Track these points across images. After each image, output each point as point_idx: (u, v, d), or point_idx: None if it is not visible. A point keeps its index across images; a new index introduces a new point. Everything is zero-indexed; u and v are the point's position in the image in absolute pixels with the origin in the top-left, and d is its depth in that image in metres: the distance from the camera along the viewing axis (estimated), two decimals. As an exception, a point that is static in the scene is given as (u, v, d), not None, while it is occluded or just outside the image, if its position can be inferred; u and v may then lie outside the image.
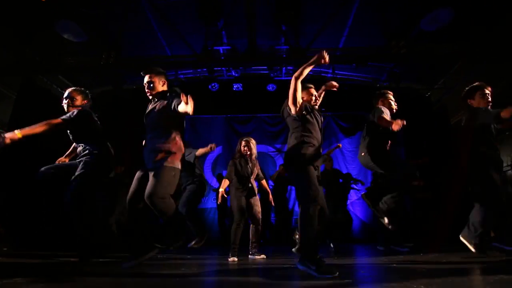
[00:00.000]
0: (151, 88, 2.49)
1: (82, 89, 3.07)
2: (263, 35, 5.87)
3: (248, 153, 3.69)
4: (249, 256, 3.59)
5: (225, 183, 3.61)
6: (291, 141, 2.31)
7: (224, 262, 3.18)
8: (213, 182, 7.21)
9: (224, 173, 7.23)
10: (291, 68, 6.60)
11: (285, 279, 2.15)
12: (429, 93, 7.25)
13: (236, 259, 3.31)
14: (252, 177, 3.70)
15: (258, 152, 7.73)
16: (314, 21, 5.49)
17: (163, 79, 2.55)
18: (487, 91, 2.96)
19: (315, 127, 2.36)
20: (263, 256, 3.56)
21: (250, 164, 3.70)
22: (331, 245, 4.60)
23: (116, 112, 6.95)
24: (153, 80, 2.49)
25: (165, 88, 2.55)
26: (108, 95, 7.18)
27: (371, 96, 7.52)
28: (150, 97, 2.54)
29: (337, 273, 1.98)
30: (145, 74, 2.49)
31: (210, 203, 7.15)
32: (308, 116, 2.34)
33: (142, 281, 1.95)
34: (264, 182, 4.04)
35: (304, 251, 2.15)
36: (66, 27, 5.38)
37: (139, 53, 6.22)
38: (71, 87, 7.07)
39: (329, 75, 7.23)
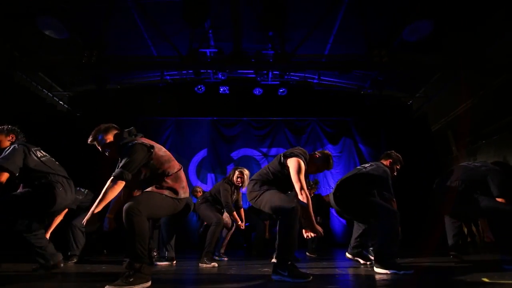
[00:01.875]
0: None
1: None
2: (250, 39, 5.90)
3: (240, 185, 3.76)
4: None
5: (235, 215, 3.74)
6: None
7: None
8: (197, 184, 7.13)
9: (210, 176, 7.22)
10: (277, 73, 6.65)
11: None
12: (410, 101, 7.46)
13: (216, 264, 3.29)
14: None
15: (244, 156, 7.76)
16: (300, 27, 5.56)
17: None
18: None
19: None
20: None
21: (236, 194, 3.80)
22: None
23: (99, 113, 6.79)
24: None
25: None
26: (91, 95, 7.01)
27: (355, 102, 7.63)
28: None
29: (311, 277, 1.98)
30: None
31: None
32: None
33: None
34: (242, 211, 4.06)
35: (277, 260, 2.15)
36: (48, 23, 5.21)
37: (124, 52, 6.10)
38: (51, 84, 6.93)
39: (315, 81, 7.35)
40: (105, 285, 1.66)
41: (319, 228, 2.33)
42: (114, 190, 1.92)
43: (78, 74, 6.68)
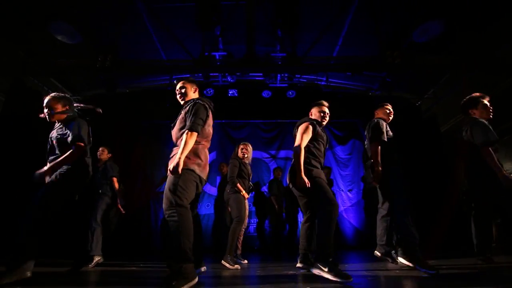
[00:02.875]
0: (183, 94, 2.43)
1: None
2: (259, 42, 5.92)
3: (246, 155, 3.88)
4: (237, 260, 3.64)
5: (239, 186, 3.70)
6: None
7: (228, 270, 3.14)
8: (206, 187, 7.14)
9: (219, 179, 7.23)
10: (286, 75, 6.66)
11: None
12: (419, 102, 7.44)
13: (239, 266, 3.29)
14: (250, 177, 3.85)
15: (252, 159, 7.77)
16: (310, 30, 5.59)
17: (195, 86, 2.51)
18: (487, 102, 3.07)
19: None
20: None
21: (247, 168, 3.80)
22: None
23: (108, 116, 6.83)
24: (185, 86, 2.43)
25: (196, 95, 2.51)
26: (100, 99, 7.05)
27: (364, 104, 7.63)
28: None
29: (352, 279, 1.96)
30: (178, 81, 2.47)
31: (204, 209, 7.07)
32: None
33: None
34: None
35: (318, 253, 2.15)
36: (60, 28, 5.28)
37: (134, 56, 6.15)
38: (62, 89, 6.99)
39: (323, 83, 7.34)
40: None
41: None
42: (191, 140, 2.04)
43: (88, 78, 6.72)
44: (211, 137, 2.35)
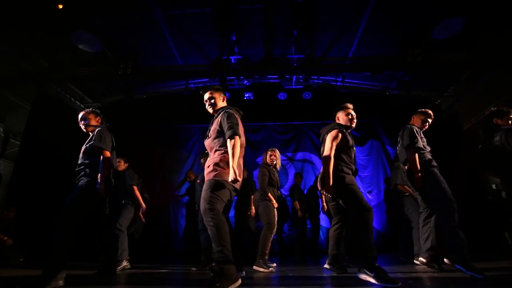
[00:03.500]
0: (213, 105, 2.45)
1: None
2: (276, 45, 5.92)
3: (275, 162, 3.86)
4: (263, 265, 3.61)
5: (270, 195, 3.68)
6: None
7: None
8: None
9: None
10: (301, 76, 6.64)
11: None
12: (439, 101, 7.26)
13: (273, 269, 3.34)
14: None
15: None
16: (325, 31, 5.56)
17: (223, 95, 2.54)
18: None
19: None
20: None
21: (274, 175, 3.80)
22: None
23: (127, 122, 7.00)
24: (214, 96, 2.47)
25: (225, 103, 2.56)
26: (119, 105, 7.23)
27: (381, 104, 7.48)
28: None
29: (400, 283, 1.92)
30: (205, 92, 2.50)
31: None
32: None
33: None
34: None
35: (363, 259, 2.17)
36: (81, 37, 5.45)
37: (151, 63, 6.28)
38: (82, 96, 7.19)
39: (338, 83, 7.28)
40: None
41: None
42: (237, 146, 2.11)
43: (107, 85, 6.90)
44: (244, 145, 2.39)
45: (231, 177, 1.99)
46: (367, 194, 7.08)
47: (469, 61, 5.00)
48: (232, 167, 1.99)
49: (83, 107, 7.14)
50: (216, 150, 2.20)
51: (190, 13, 5.44)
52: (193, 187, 4.94)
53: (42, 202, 5.14)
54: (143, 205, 4.26)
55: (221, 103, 2.47)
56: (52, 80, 5.56)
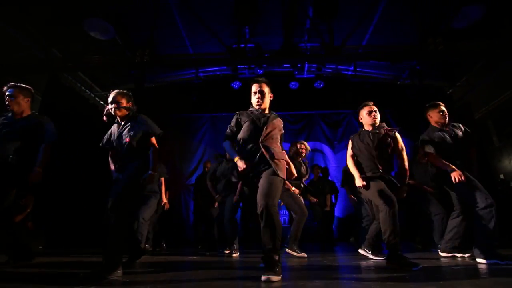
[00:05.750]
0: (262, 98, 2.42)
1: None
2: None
3: (304, 154, 3.94)
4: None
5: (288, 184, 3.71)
6: None
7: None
8: (234, 180, 7.21)
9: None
10: (314, 66, 6.58)
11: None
12: (450, 91, 7.22)
13: (305, 254, 3.46)
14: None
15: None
16: (342, 19, 5.48)
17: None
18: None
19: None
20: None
21: (304, 165, 3.88)
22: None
23: (139, 111, 6.94)
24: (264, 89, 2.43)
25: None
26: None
27: (392, 93, 7.38)
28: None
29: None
30: (260, 83, 2.45)
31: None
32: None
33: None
34: None
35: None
36: (93, 25, 5.35)
37: (163, 51, 6.20)
38: (92, 85, 7.11)
39: (349, 72, 7.23)
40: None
41: None
42: None
43: (117, 74, 6.83)
44: None
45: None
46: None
47: (488, 50, 4.93)
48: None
49: (93, 96, 7.09)
50: None
51: (203, 1, 5.34)
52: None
53: (55, 189, 5.18)
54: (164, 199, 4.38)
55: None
56: (64, 68, 5.48)
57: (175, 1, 5.27)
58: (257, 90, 2.40)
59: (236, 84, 7.05)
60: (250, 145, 2.26)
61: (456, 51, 4.90)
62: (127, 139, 2.40)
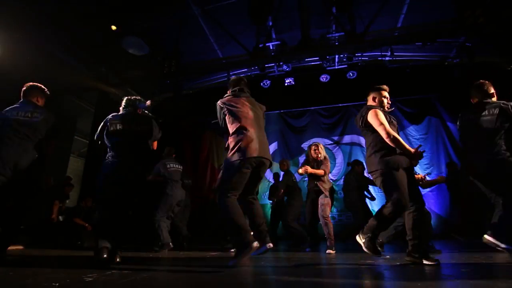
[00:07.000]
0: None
1: None
2: (314, 25, 5.69)
3: (319, 155, 3.94)
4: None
5: None
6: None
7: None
8: (270, 177, 7.26)
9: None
10: (345, 55, 6.28)
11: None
12: (511, 67, 6.24)
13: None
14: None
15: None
16: (365, 3, 5.14)
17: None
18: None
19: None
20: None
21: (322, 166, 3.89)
22: None
23: (177, 117, 7.45)
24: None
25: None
26: (169, 102, 7.72)
27: (439, 76, 6.68)
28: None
29: None
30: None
31: (267, 199, 7.22)
32: None
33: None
34: None
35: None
36: (131, 43, 5.90)
37: (193, 58, 6.54)
38: (136, 96, 7.82)
39: (387, 58, 6.71)
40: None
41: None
42: None
43: (157, 84, 7.40)
44: None
45: None
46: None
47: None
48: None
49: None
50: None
51: (225, 5, 5.49)
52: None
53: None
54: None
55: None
56: (109, 84, 6.14)
57: (199, 10, 5.53)
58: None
59: (266, 84, 7.08)
60: None
61: (500, 21, 4.21)
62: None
